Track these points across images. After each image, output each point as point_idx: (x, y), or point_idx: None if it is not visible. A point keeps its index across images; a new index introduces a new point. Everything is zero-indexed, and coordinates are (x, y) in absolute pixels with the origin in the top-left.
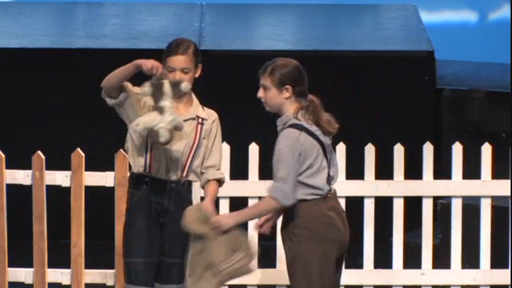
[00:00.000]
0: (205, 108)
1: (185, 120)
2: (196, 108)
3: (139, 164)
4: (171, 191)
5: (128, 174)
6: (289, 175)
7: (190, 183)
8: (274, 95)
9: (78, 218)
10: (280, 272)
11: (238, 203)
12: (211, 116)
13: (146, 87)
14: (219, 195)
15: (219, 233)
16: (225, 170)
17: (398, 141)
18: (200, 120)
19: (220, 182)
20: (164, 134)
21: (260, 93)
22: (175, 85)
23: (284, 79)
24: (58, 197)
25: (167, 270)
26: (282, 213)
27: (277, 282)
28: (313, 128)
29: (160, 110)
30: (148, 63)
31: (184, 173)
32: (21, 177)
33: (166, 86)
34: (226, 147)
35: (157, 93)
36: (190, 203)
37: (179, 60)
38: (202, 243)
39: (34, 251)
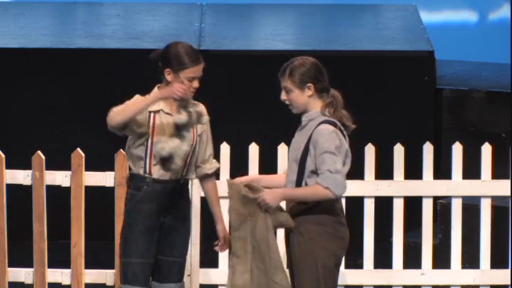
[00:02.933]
0: (193, 102)
1: None
2: (190, 105)
3: (139, 165)
4: (171, 191)
5: (128, 174)
6: (340, 166)
7: (187, 181)
8: (297, 96)
9: (78, 218)
10: None
11: None
12: (200, 108)
13: (184, 116)
14: (219, 195)
15: (264, 209)
16: (225, 170)
17: (398, 141)
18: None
19: (216, 175)
20: (178, 162)
21: (283, 96)
22: (199, 116)
23: (304, 78)
24: (58, 197)
25: (167, 269)
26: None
27: None
28: (340, 125)
29: (181, 138)
30: (177, 92)
31: (184, 173)
32: (21, 177)
33: (194, 117)
34: (226, 147)
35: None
36: (189, 201)
37: (200, 69)
38: (244, 222)
39: (34, 251)
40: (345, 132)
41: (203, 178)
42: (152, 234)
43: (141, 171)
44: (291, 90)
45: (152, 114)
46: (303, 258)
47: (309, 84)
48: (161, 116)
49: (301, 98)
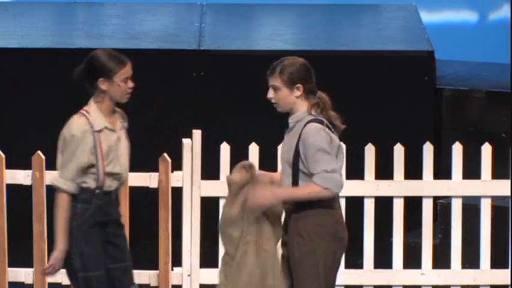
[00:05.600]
0: (118, 110)
1: (119, 133)
2: (119, 116)
3: (90, 181)
4: (115, 200)
5: (74, 190)
6: (334, 164)
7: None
8: (285, 95)
9: None
10: None
11: None
12: (124, 116)
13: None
14: (219, 194)
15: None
16: (225, 170)
17: (398, 141)
18: (124, 126)
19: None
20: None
21: (270, 94)
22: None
23: (294, 78)
24: None
25: (124, 275)
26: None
27: None
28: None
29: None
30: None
31: (123, 181)
32: (21, 177)
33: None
34: (226, 147)
35: None
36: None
37: (130, 68)
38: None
39: (34, 251)
40: (333, 130)
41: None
42: (105, 245)
43: (92, 185)
44: (279, 88)
45: (96, 134)
46: (303, 259)
47: (299, 85)
48: (106, 134)
49: (289, 97)
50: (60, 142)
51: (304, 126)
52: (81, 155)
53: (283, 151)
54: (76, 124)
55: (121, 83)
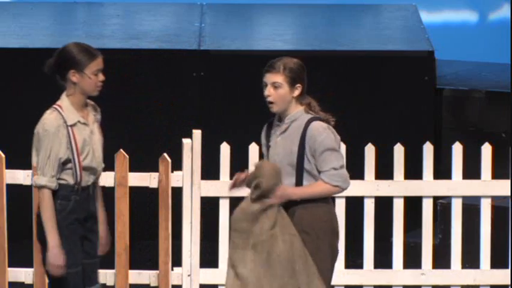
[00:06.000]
0: (91, 103)
1: (92, 126)
2: (92, 109)
3: (68, 177)
4: (92, 195)
5: (55, 185)
6: (343, 161)
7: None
8: (286, 93)
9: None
10: None
11: (237, 203)
12: (98, 110)
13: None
14: (218, 194)
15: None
16: (225, 170)
17: (398, 141)
18: (97, 119)
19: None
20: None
21: (269, 92)
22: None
23: (296, 77)
24: None
25: (91, 271)
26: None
27: None
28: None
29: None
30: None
31: (99, 175)
32: (21, 177)
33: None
34: (226, 147)
35: None
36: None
37: (101, 61)
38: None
39: (34, 251)
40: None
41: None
42: (82, 241)
43: (71, 181)
44: (281, 86)
45: (70, 129)
46: (312, 257)
47: (298, 85)
48: (79, 128)
49: (288, 96)
50: (35, 139)
51: (307, 125)
52: (58, 149)
53: (277, 153)
54: (48, 120)
55: (92, 75)
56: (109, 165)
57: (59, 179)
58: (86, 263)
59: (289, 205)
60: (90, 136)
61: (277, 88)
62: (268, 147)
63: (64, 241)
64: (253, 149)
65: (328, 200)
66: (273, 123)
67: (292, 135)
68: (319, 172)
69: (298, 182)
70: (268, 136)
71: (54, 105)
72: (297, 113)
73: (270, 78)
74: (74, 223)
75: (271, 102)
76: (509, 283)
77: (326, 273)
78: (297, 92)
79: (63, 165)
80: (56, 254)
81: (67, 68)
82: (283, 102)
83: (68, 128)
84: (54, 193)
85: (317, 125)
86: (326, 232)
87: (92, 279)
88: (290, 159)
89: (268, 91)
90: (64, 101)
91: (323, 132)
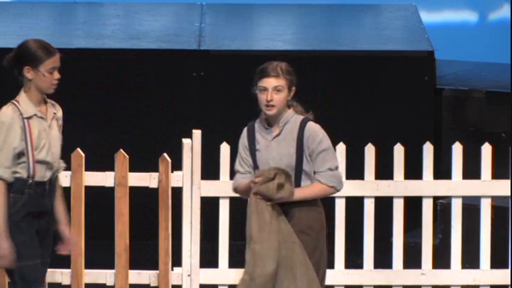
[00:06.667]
0: (50, 101)
1: (50, 122)
2: (51, 106)
3: (22, 170)
4: (49, 191)
5: (9, 176)
6: (337, 161)
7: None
8: (285, 97)
9: (78, 218)
10: None
11: (237, 203)
12: (58, 108)
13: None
14: (218, 194)
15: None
16: (225, 170)
17: (398, 141)
18: (56, 117)
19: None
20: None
21: (272, 96)
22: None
23: (293, 80)
24: None
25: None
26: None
27: None
28: None
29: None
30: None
31: (57, 171)
32: None
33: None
34: (226, 147)
35: None
36: (55, 199)
37: (58, 59)
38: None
39: None
40: None
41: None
42: (37, 237)
43: (24, 175)
44: (282, 90)
45: (26, 121)
46: (312, 257)
47: (293, 88)
48: (36, 121)
49: (285, 100)
50: None
51: (303, 126)
52: (13, 140)
53: (272, 157)
54: (4, 113)
55: (46, 73)
56: (109, 165)
57: (14, 172)
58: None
59: (284, 207)
60: (47, 130)
61: (279, 92)
62: (255, 151)
63: (19, 234)
64: None
65: (319, 201)
66: (254, 127)
67: (287, 137)
68: (314, 172)
69: (297, 184)
70: (253, 140)
71: (12, 100)
72: (289, 116)
73: (271, 82)
74: (27, 217)
75: (272, 106)
76: (509, 283)
77: (324, 271)
78: (290, 96)
79: (17, 158)
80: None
81: (23, 63)
82: (282, 106)
83: (24, 120)
84: (9, 186)
85: (313, 125)
86: (321, 232)
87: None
88: (288, 162)
89: (271, 95)
90: (21, 96)
91: (319, 133)
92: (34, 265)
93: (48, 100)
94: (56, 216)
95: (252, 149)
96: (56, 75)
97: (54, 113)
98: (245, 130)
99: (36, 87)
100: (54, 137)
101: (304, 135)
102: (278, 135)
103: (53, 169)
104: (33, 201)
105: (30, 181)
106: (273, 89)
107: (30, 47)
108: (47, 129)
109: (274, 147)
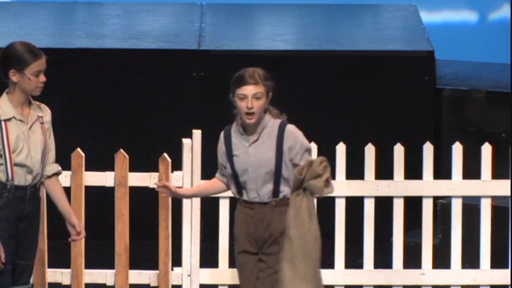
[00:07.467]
0: (37, 103)
1: (32, 125)
2: (36, 108)
3: (0, 173)
4: (31, 196)
5: None
6: None
7: (41, 183)
8: (264, 103)
9: (78, 217)
10: None
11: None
12: (45, 110)
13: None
14: (219, 195)
15: None
16: None
17: (398, 141)
18: (41, 120)
19: (58, 174)
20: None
21: (252, 103)
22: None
23: (271, 85)
24: None
25: (20, 272)
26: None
27: None
28: None
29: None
30: None
31: (40, 176)
32: None
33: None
34: None
35: None
36: (41, 203)
37: (44, 62)
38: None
39: None
40: None
41: (45, 178)
42: (14, 239)
43: (3, 178)
44: (261, 97)
45: (3, 123)
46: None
47: (270, 93)
48: (15, 124)
49: (264, 107)
50: None
51: (282, 129)
52: None
53: (250, 163)
54: None
55: (32, 76)
56: (109, 165)
57: None
58: (17, 263)
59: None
60: (27, 134)
61: (258, 99)
62: (232, 157)
63: None
64: None
65: None
66: (230, 133)
67: (265, 142)
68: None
69: (276, 188)
70: (229, 145)
71: None
72: (266, 121)
73: (251, 90)
74: (3, 221)
75: (252, 114)
76: (509, 283)
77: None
78: (267, 101)
79: None
80: None
81: (8, 67)
82: (261, 112)
83: (2, 122)
84: None
85: (292, 128)
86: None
87: (17, 280)
88: (268, 168)
89: (251, 103)
90: (2, 98)
91: (299, 134)
92: (6, 271)
93: (34, 102)
94: (61, 210)
95: (229, 155)
96: (42, 78)
97: (40, 116)
98: (222, 135)
99: (21, 90)
100: (36, 141)
101: (284, 138)
102: (256, 140)
103: (33, 173)
104: (12, 205)
105: (9, 185)
106: (253, 96)
107: (16, 49)
108: (27, 132)
109: (253, 153)
